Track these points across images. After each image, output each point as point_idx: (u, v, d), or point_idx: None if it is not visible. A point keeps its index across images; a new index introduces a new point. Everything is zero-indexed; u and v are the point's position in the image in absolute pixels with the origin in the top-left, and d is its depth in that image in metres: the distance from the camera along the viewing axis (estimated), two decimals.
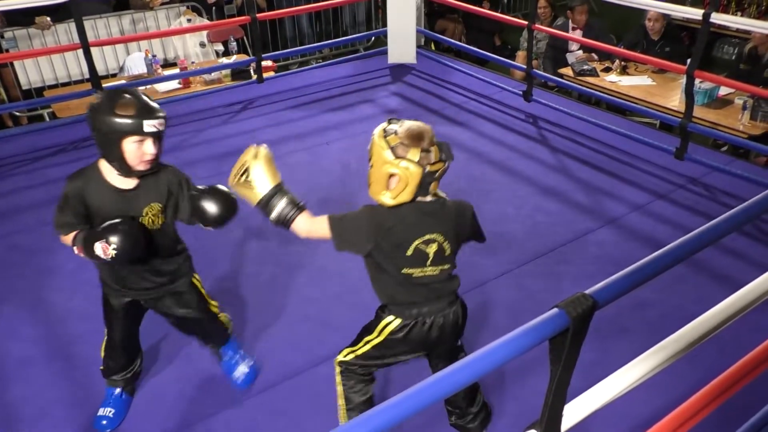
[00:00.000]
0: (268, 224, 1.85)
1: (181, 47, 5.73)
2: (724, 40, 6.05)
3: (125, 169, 1.81)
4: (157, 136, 1.79)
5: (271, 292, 2.92)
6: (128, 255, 1.75)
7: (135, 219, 1.85)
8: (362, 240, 1.77)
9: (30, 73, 5.34)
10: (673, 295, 2.79)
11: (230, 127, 4.53)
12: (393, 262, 1.78)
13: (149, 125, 1.75)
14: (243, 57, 5.54)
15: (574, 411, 1.15)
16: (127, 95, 1.77)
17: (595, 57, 5.17)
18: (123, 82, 4.99)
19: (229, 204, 1.94)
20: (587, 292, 1.05)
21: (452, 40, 5.79)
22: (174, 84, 5.00)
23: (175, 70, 5.12)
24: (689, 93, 3.79)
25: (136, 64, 5.22)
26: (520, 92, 4.72)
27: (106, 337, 2.18)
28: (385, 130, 1.72)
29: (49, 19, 5.17)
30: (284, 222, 1.79)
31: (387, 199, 1.72)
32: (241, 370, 2.38)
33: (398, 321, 1.84)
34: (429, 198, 1.77)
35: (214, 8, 6.05)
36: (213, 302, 2.26)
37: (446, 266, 1.84)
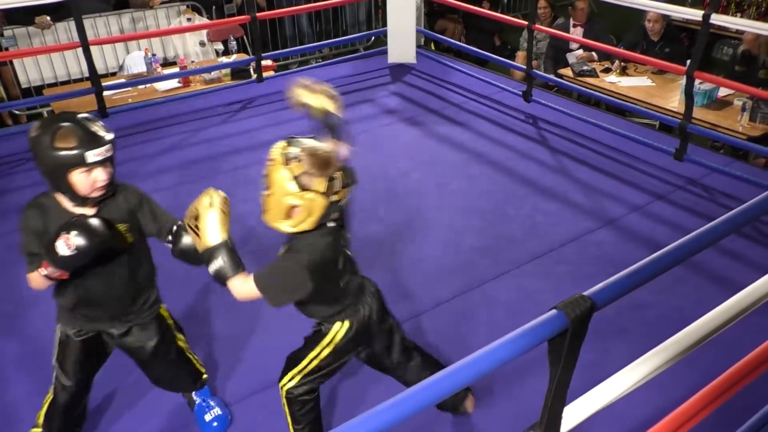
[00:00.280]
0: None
1: (180, 46, 5.72)
2: (723, 42, 6.05)
3: (78, 200, 1.70)
4: (105, 163, 1.66)
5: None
6: (94, 245, 1.59)
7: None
8: (299, 288, 1.68)
9: (29, 71, 5.33)
10: (672, 296, 2.79)
11: (230, 126, 4.53)
12: (331, 281, 1.75)
13: (93, 156, 1.61)
14: (243, 56, 5.53)
15: (574, 412, 1.15)
16: (66, 123, 1.61)
17: (595, 57, 5.17)
18: (123, 80, 4.99)
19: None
20: (586, 293, 1.06)
21: (452, 40, 5.78)
22: (174, 83, 4.99)
23: (175, 69, 5.12)
24: (689, 94, 3.79)
25: (135, 63, 5.22)
26: (520, 92, 4.72)
27: (50, 396, 1.98)
28: (286, 156, 1.55)
29: (48, 18, 5.16)
30: (220, 279, 1.67)
31: (286, 227, 1.62)
32: (209, 417, 2.20)
33: (347, 323, 1.83)
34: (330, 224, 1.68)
35: (213, 7, 6.04)
36: (181, 336, 2.11)
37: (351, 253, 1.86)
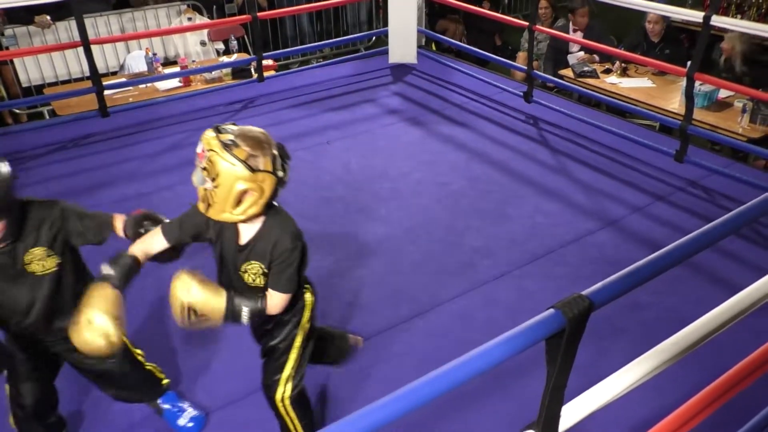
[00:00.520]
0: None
1: (181, 46, 5.73)
2: None
3: None
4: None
5: None
6: None
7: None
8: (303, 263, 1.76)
9: (30, 70, 5.33)
10: (670, 297, 2.79)
11: None
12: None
13: None
14: (244, 56, 5.54)
15: (572, 412, 1.15)
16: None
17: (596, 58, 5.17)
18: (124, 79, 4.99)
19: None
20: (584, 292, 1.06)
21: (453, 41, 5.79)
22: (175, 82, 5.00)
23: (176, 69, 5.12)
24: (689, 95, 3.79)
25: (136, 62, 5.22)
26: (521, 93, 4.72)
27: (12, 413, 1.96)
28: (224, 144, 1.51)
29: (48, 17, 5.17)
30: (259, 313, 1.68)
31: (236, 216, 1.58)
32: (183, 421, 2.19)
33: (310, 291, 1.86)
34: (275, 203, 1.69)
35: (214, 7, 6.05)
36: (138, 351, 2.08)
37: None
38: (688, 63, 3.77)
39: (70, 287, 1.81)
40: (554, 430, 1.13)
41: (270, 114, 4.71)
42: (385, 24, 5.48)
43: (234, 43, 5.58)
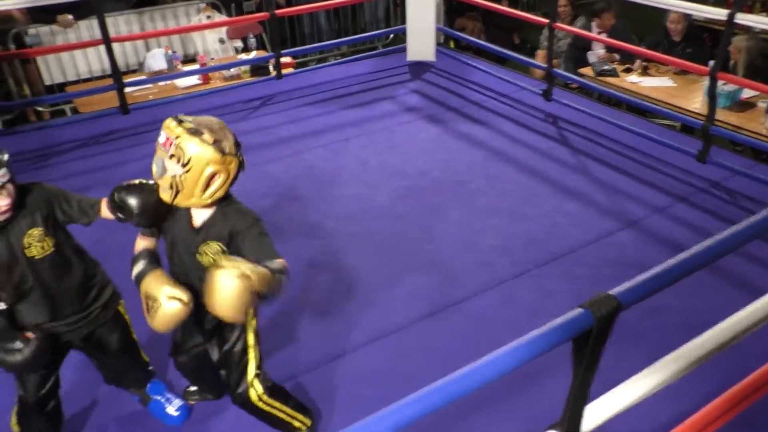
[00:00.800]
0: None
1: (200, 43, 5.77)
2: None
3: None
4: (4, 186, 1.64)
5: None
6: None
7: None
8: None
9: (52, 69, 5.41)
10: (692, 300, 2.75)
11: (249, 123, 4.55)
12: None
13: None
14: (262, 53, 5.56)
15: (596, 413, 1.14)
16: None
17: (617, 57, 5.12)
18: (144, 77, 5.04)
19: (150, 190, 1.72)
20: (612, 292, 1.04)
21: (472, 38, 5.76)
22: (194, 80, 5.03)
23: (195, 66, 5.16)
24: (712, 95, 3.74)
25: (156, 60, 5.26)
26: (540, 91, 4.69)
27: (17, 404, 1.97)
28: (189, 130, 1.55)
29: (71, 17, 5.23)
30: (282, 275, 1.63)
31: (204, 200, 1.62)
32: (171, 410, 2.22)
33: None
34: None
35: (233, 5, 6.08)
36: (134, 336, 2.12)
37: None
38: (710, 62, 3.72)
39: (70, 270, 1.83)
40: (577, 430, 1.12)
41: (288, 111, 4.72)
42: (403, 21, 5.46)
43: (252, 41, 5.61)
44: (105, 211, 1.80)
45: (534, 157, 4.04)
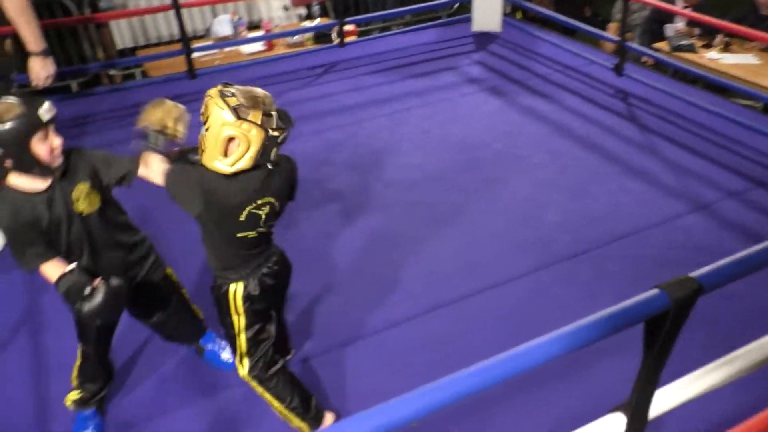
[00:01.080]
0: None
1: (265, 10, 5.80)
2: None
3: (45, 171, 1.70)
4: (54, 123, 1.68)
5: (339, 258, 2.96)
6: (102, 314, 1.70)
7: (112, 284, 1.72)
8: (191, 199, 1.68)
9: (124, 33, 5.56)
10: (765, 290, 2.62)
11: (311, 90, 4.58)
12: (225, 228, 1.72)
13: (44, 113, 1.64)
14: (325, 21, 5.54)
15: (665, 398, 1.10)
16: (3, 99, 1.65)
17: (697, 32, 4.84)
18: (210, 43, 5.12)
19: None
20: (692, 275, 1.00)
21: (540, 8, 5.56)
22: (258, 46, 5.08)
23: (260, 33, 5.20)
24: None
25: (222, 26, 5.33)
26: (611, 66, 4.50)
27: (79, 359, 2.06)
28: (221, 91, 1.59)
29: None
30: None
31: (224, 165, 1.60)
32: (226, 356, 2.32)
33: (241, 285, 1.80)
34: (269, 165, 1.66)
35: None
36: (183, 289, 2.21)
37: (274, 222, 1.80)
38: None
39: (117, 228, 1.91)
40: (644, 414, 1.09)
41: (350, 79, 4.71)
42: None
43: (316, 8, 5.60)
44: (142, 170, 1.86)
45: (600, 133, 3.90)
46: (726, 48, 4.62)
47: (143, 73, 5.28)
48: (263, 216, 1.71)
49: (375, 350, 2.42)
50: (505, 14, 5.36)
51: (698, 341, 2.33)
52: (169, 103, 1.85)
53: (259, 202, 1.68)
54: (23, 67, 2.99)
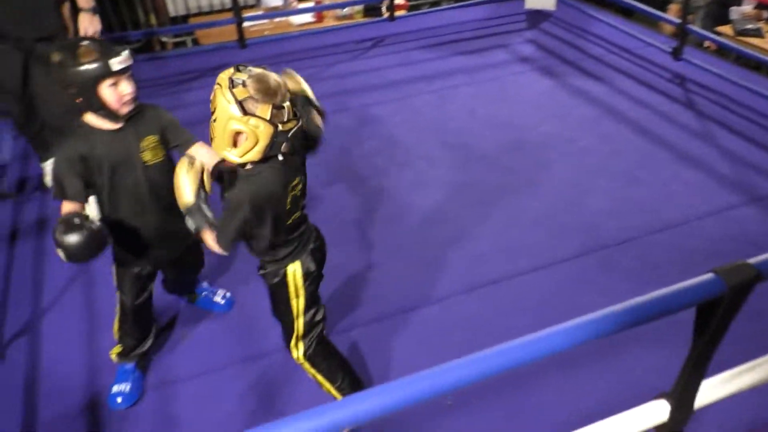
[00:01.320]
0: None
1: None
2: None
3: (112, 115, 1.79)
4: (127, 73, 1.76)
5: (391, 233, 2.96)
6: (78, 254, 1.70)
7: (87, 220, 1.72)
8: (247, 220, 1.63)
9: (177, 1, 5.62)
10: None
11: (359, 63, 4.56)
12: (277, 218, 1.68)
13: (116, 63, 1.71)
14: None
15: (711, 388, 1.07)
16: (84, 42, 1.73)
17: (765, 15, 4.60)
18: (261, 12, 5.14)
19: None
20: (750, 261, 0.96)
21: None
22: (308, 18, 5.07)
23: (310, 4, 5.19)
24: None
25: None
26: (669, 49, 4.33)
27: (119, 313, 2.13)
28: (231, 80, 1.50)
29: None
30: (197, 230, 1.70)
31: (233, 156, 1.54)
32: (218, 299, 2.50)
33: (299, 264, 1.78)
34: (280, 158, 1.59)
35: None
36: None
37: (305, 200, 1.79)
38: None
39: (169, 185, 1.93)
40: (690, 403, 1.06)
41: (399, 54, 4.67)
42: None
43: None
44: (194, 149, 1.93)
45: (654, 118, 3.77)
46: None
47: (194, 41, 5.35)
48: (299, 194, 1.73)
49: (410, 327, 2.43)
50: None
51: (747, 333, 2.26)
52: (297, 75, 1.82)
53: (293, 183, 1.68)
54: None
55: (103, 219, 1.92)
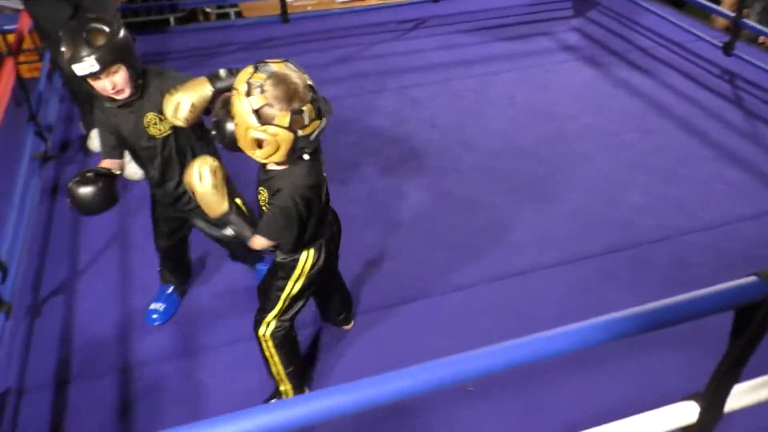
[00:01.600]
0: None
1: None
2: None
3: (108, 99, 1.84)
4: (103, 73, 1.74)
5: (424, 218, 2.96)
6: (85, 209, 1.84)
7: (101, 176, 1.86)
8: (299, 221, 1.66)
9: None
10: None
11: (400, 44, 4.52)
12: (315, 214, 1.71)
13: (78, 68, 1.71)
14: None
15: (744, 393, 1.05)
16: (67, 38, 1.72)
17: None
18: None
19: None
20: None
21: None
22: None
23: None
24: None
25: None
26: (720, 44, 4.19)
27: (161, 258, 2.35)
28: (249, 85, 1.44)
29: None
30: (242, 240, 1.71)
31: (260, 158, 1.54)
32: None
33: (312, 251, 1.78)
34: (306, 158, 1.58)
35: None
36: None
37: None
38: None
39: (188, 153, 2.00)
40: (720, 406, 1.04)
41: (440, 36, 4.62)
42: None
43: None
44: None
45: (699, 115, 3.67)
46: None
47: (238, 13, 5.37)
48: (326, 183, 1.75)
49: (435, 311, 2.43)
50: None
51: None
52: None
53: (324, 175, 1.71)
54: None
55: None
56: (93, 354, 2.28)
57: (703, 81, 4.01)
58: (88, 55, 1.71)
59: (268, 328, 1.87)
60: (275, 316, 1.86)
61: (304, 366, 2.06)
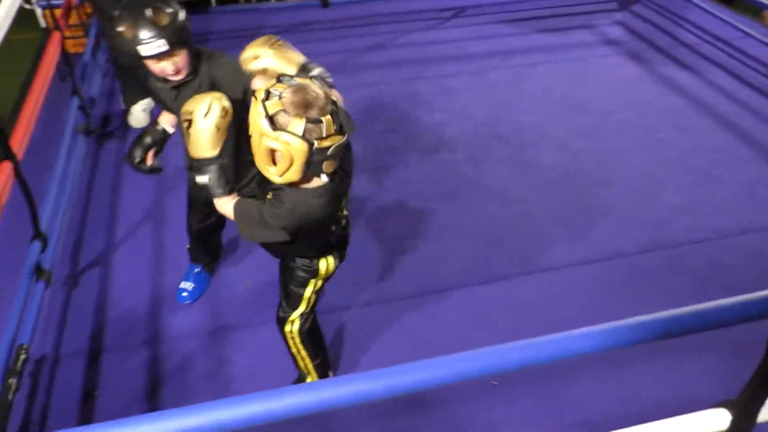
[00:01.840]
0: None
1: None
2: None
3: (162, 80, 1.86)
4: (162, 57, 1.73)
5: (450, 209, 2.95)
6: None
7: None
8: (277, 237, 1.59)
9: None
10: None
11: (437, 33, 4.49)
12: (316, 233, 1.67)
13: (144, 50, 1.70)
14: None
15: None
16: (128, 17, 1.70)
17: None
18: None
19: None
20: None
21: None
22: None
23: None
24: None
25: None
26: None
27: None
28: (268, 92, 1.39)
29: None
30: (207, 192, 1.62)
31: (274, 176, 1.44)
32: None
33: (332, 259, 1.77)
34: (324, 178, 1.46)
35: None
36: None
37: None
38: None
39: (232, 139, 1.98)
40: (753, 415, 1.02)
41: (478, 26, 4.57)
42: None
43: None
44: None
45: (743, 115, 3.57)
46: None
47: None
48: (347, 197, 1.70)
49: (460, 303, 2.43)
50: None
51: None
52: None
53: (343, 200, 1.66)
54: None
55: None
56: (126, 327, 2.34)
57: (750, 80, 3.89)
58: (157, 36, 1.69)
59: (293, 325, 1.88)
60: (300, 315, 1.87)
61: (327, 357, 2.08)
